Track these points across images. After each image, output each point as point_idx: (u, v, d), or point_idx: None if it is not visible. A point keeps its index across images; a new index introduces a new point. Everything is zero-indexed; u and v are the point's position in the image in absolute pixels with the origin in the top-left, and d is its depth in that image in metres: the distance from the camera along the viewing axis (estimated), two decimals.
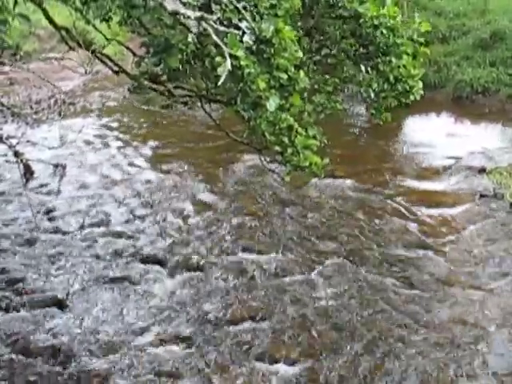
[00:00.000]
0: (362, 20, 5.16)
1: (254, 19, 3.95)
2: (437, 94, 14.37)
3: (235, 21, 3.95)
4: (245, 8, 4.03)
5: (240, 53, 3.69)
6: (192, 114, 11.36)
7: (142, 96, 5.60)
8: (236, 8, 3.99)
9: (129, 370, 6.01)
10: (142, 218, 9.17)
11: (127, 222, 9.05)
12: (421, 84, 5.49)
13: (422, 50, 5.53)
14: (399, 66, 5.30)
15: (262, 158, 5.41)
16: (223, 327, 6.63)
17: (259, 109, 4.01)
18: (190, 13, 3.77)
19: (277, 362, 6.12)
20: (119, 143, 12.58)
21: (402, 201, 9.57)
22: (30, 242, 8.37)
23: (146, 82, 5.56)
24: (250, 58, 3.81)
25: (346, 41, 5.66)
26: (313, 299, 7.10)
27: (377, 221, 8.95)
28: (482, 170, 10.54)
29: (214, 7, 3.93)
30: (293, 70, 4.12)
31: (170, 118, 12.76)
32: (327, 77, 6.00)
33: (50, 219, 9.08)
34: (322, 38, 5.85)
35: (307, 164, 4.49)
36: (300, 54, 4.12)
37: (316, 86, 5.92)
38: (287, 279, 7.51)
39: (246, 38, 3.87)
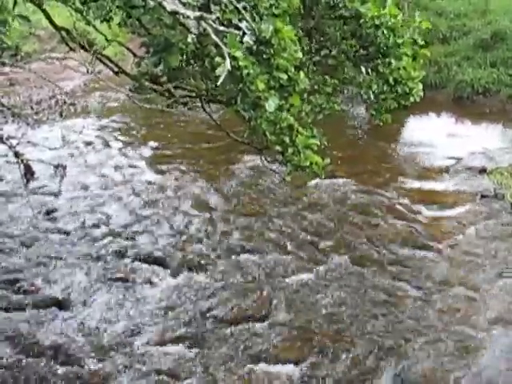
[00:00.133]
0: (362, 20, 5.15)
1: (253, 19, 3.95)
2: (437, 95, 14.37)
3: (235, 21, 3.95)
4: (245, 8, 4.03)
5: (238, 53, 3.69)
6: (192, 115, 11.36)
7: (142, 96, 5.58)
8: (236, 8, 3.99)
9: (129, 369, 6.02)
10: (143, 218, 9.16)
11: (128, 222, 9.05)
12: (421, 86, 5.48)
13: (422, 52, 5.53)
14: (399, 68, 5.29)
15: (263, 158, 5.41)
16: (224, 327, 6.63)
17: (259, 109, 4.01)
18: (189, 13, 3.77)
19: (277, 362, 6.13)
20: (120, 144, 12.58)
21: (402, 201, 9.57)
22: (31, 242, 8.37)
23: (146, 83, 5.56)
24: (250, 58, 3.80)
25: (347, 42, 5.66)
26: (314, 299, 7.10)
27: (377, 221, 8.95)
28: (483, 171, 10.55)
29: (214, 8, 3.93)
30: (293, 70, 4.12)
31: (171, 119, 12.76)
32: (327, 78, 6.00)
33: (50, 219, 9.09)
34: (322, 38, 5.85)
35: (308, 164, 4.49)
36: (300, 54, 4.11)
37: (316, 87, 5.92)
38: (288, 279, 7.51)
39: (246, 39, 3.87)
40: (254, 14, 4.03)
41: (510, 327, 6.56)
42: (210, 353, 6.24)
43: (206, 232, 8.71)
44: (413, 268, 7.74)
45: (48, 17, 6.10)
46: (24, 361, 6.10)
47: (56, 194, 9.67)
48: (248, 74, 3.77)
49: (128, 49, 6.41)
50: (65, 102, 14.56)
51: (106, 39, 6.26)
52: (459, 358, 6.11)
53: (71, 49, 6.25)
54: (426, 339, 6.40)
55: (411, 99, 5.54)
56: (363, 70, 5.64)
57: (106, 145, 12.48)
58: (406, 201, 9.59)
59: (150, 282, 7.50)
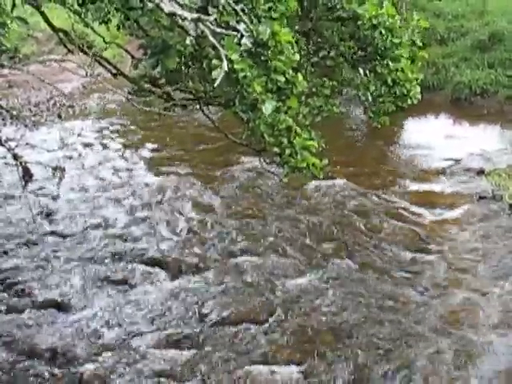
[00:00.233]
0: (360, 22, 5.16)
1: (251, 21, 3.96)
2: (435, 96, 14.39)
3: (233, 23, 3.96)
4: (242, 10, 4.03)
5: (235, 56, 3.70)
6: (191, 117, 11.38)
7: (141, 99, 5.58)
8: (234, 10, 4.00)
9: (129, 371, 6.01)
10: (141, 220, 9.16)
11: (127, 224, 9.05)
12: (418, 88, 5.50)
13: (420, 54, 5.54)
14: (397, 70, 5.30)
15: (261, 160, 5.41)
16: (223, 330, 6.62)
17: (257, 111, 4.02)
18: (186, 14, 3.78)
19: (276, 364, 6.12)
20: (118, 146, 12.58)
21: (400, 203, 9.58)
22: (30, 244, 8.37)
23: (145, 85, 5.56)
24: (247, 61, 3.81)
25: (345, 43, 5.66)
26: (312, 301, 7.10)
27: (375, 223, 8.95)
28: (481, 172, 10.56)
29: (211, 10, 3.94)
30: (290, 72, 4.12)
31: (170, 121, 12.76)
32: (325, 79, 6.01)
33: (49, 221, 9.08)
34: (319, 40, 5.86)
35: (305, 165, 4.49)
36: (297, 57, 4.12)
37: (314, 89, 5.92)
38: (287, 282, 7.51)
39: (244, 41, 3.87)
40: (252, 16, 4.03)
41: (509, 329, 6.56)
42: (208, 355, 6.23)
43: (204, 234, 8.70)
44: (411, 270, 7.74)
45: (46, 19, 6.10)
46: (22, 363, 6.09)
47: (54, 196, 9.67)
48: (245, 77, 3.78)
49: (126, 51, 6.42)
50: (63, 104, 14.58)
51: (105, 41, 6.27)
52: (461, 362, 6.10)
53: (69, 51, 6.26)
54: (426, 343, 6.39)
55: (409, 101, 5.55)
56: (361, 71, 5.65)
57: (105, 147, 12.49)
58: (404, 202, 9.59)
59: (149, 285, 7.50)
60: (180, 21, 3.99)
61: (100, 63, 6.06)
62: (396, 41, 5.18)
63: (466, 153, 11.51)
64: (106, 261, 7.99)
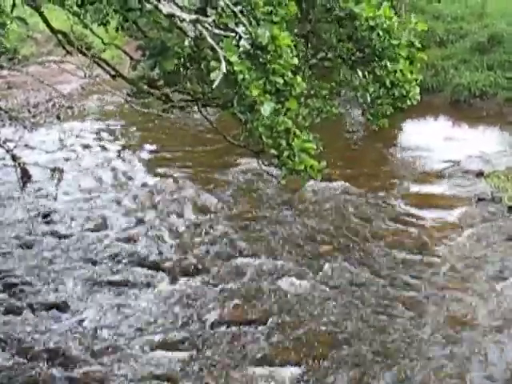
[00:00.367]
0: (358, 23, 5.16)
1: (250, 24, 3.95)
2: (434, 98, 14.39)
3: (231, 25, 3.96)
4: (241, 12, 4.03)
5: (234, 58, 3.69)
6: (190, 118, 11.37)
7: (140, 100, 5.58)
8: (233, 12, 3.99)
9: (127, 373, 6.01)
10: (140, 221, 9.16)
11: (125, 225, 9.04)
12: (418, 89, 5.49)
13: (419, 56, 5.53)
14: (395, 71, 5.30)
15: (260, 162, 5.41)
16: (222, 331, 6.62)
17: (255, 112, 4.02)
18: (185, 15, 3.78)
19: (275, 366, 6.12)
20: (117, 147, 12.58)
21: (399, 204, 9.58)
22: (28, 246, 8.36)
23: (144, 87, 5.56)
24: (246, 63, 3.81)
25: (343, 44, 5.66)
26: (311, 303, 7.09)
27: (374, 225, 8.95)
28: (480, 174, 10.56)
29: (210, 11, 3.94)
30: (289, 74, 4.12)
31: (168, 122, 12.75)
32: (323, 81, 6.01)
33: (47, 223, 9.08)
34: (318, 42, 5.86)
35: (302, 167, 4.49)
36: (296, 60, 4.12)
37: (312, 91, 5.92)
38: (285, 283, 7.50)
39: (242, 43, 3.87)
40: (251, 19, 4.03)
41: (507, 329, 6.56)
42: (207, 357, 6.22)
43: (203, 236, 8.70)
44: (410, 272, 7.73)
45: (45, 20, 6.09)
46: (20, 364, 6.09)
47: (53, 198, 9.65)
48: (243, 79, 3.77)
49: (125, 52, 6.40)
50: (62, 106, 14.57)
51: (103, 42, 6.26)
52: (457, 359, 6.11)
53: (68, 52, 6.25)
54: (424, 342, 6.40)
55: (408, 102, 5.55)
56: (359, 73, 5.65)
57: (103, 148, 12.48)
58: (403, 204, 9.59)
59: (148, 286, 7.49)
60: (179, 22, 3.99)
61: (99, 64, 6.05)
62: (394, 42, 5.17)
63: (465, 155, 11.51)
64: (105, 262, 7.98)
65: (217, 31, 3.80)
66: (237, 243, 8.44)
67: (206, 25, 3.76)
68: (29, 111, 13.79)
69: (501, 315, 6.81)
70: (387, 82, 5.35)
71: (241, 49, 3.86)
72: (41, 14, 6.04)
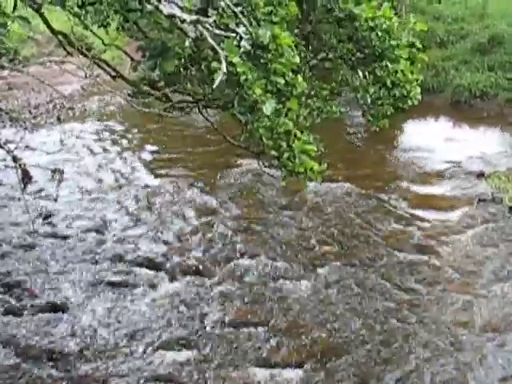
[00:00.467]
0: (358, 23, 5.17)
1: (250, 24, 3.96)
2: (435, 99, 14.40)
3: (232, 25, 3.96)
4: (242, 13, 4.03)
5: (236, 59, 3.69)
6: (190, 119, 11.37)
7: (141, 101, 5.58)
8: (233, 12, 4.00)
9: (128, 374, 6.01)
10: (141, 222, 9.16)
11: (126, 226, 9.03)
12: (418, 89, 5.49)
13: (419, 56, 5.53)
14: (396, 71, 5.30)
15: (261, 163, 5.41)
16: (222, 332, 6.62)
17: (256, 112, 4.02)
18: (186, 16, 3.78)
19: (276, 367, 6.11)
20: (117, 148, 12.57)
21: (400, 205, 9.58)
22: (29, 247, 8.35)
23: (144, 88, 5.56)
24: (247, 63, 3.81)
25: (343, 45, 5.66)
26: (311, 303, 7.09)
27: (376, 225, 8.94)
28: (481, 175, 10.56)
29: (211, 12, 3.94)
30: (290, 74, 4.12)
31: (169, 123, 12.76)
32: (323, 82, 6.01)
33: (48, 224, 9.07)
34: (319, 42, 5.85)
35: (302, 169, 4.49)
36: (297, 59, 4.13)
37: (312, 92, 5.92)
38: (286, 283, 7.50)
39: (243, 43, 3.87)
40: (251, 19, 4.03)
41: (507, 331, 6.55)
42: (208, 358, 6.22)
43: (204, 236, 8.70)
44: (411, 272, 7.73)
45: (46, 21, 6.09)
46: (20, 365, 6.08)
47: (54, 199, 9.65)
48: (246, 80, 3.77)
49: (125, 53, 6.40)
50: (63, 106, 14.57)
51: (104, 43, 6.26)
52: (457, 361, 6.10)
53: (69, 53, 6.24)
54: (424, 343, 6.39)
55: (409, 102, 5.54)
56: (360, 73, 5.65)
57: (104, 149, 12.48)
58: (404, 205, 9.59)
59: (148, 287, 7.48)
60: (179, 23, 3.99)
61: (99, 65, 6.05)
62: (394, 42, 5.18)
63: (466, 155, 11.51)
64: (105, 263, 7.98)
65: (217, 32, 3.80)
66: (237, 244, 8.43)
67: (207, 25, 3.76)
68: (29, 112, 13.80)
69: (503, 317, 6.80)
70: (388, 83, 5.35)
71: (241, 49, 3.86)
72: (41, 15, 6.04)
